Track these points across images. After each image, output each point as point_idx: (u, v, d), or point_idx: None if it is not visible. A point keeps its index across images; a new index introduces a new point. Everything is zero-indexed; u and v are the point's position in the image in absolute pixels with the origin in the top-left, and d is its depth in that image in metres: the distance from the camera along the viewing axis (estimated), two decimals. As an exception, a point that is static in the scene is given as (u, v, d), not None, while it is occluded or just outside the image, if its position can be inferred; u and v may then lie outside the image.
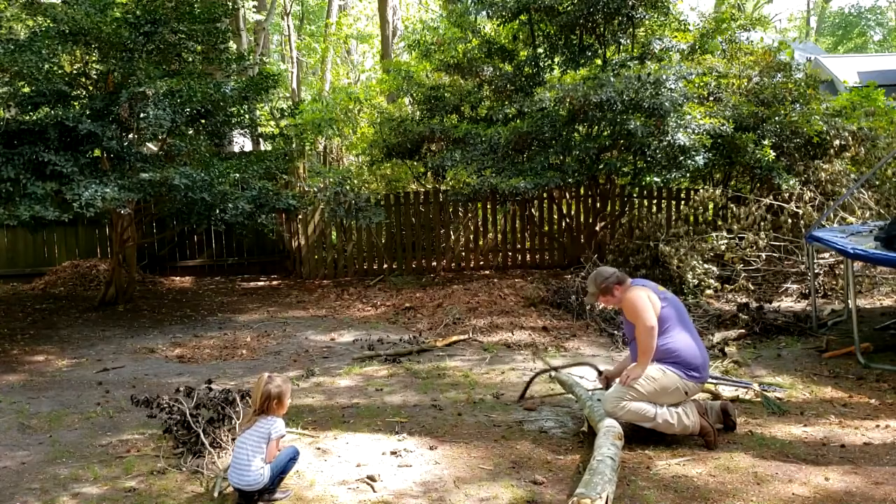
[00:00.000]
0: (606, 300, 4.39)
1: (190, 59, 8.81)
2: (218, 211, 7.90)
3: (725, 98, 8.91)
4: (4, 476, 4.04)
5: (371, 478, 3.83)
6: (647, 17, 9.58)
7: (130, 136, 8.06)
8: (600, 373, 4.83)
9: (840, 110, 9.37)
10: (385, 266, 10.67)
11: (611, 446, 3.73)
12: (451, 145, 9.68)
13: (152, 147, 9.47)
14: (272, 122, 10.76)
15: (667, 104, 8.04)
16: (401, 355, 6.42)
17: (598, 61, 9.68)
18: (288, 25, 21.02)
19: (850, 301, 6.28)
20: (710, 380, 4.72)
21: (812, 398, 4.96)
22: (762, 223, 8.58)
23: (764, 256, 8.71)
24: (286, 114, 10.03)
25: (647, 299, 4.21)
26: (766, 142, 8.73)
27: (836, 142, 9.01)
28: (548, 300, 8.22)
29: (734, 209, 8.81)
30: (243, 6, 14.81)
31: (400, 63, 12.08)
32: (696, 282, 8.15)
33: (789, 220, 8.59)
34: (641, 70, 8.39)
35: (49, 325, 8.04)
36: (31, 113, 7.92)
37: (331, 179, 9.76)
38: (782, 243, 8.65)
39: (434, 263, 10.63)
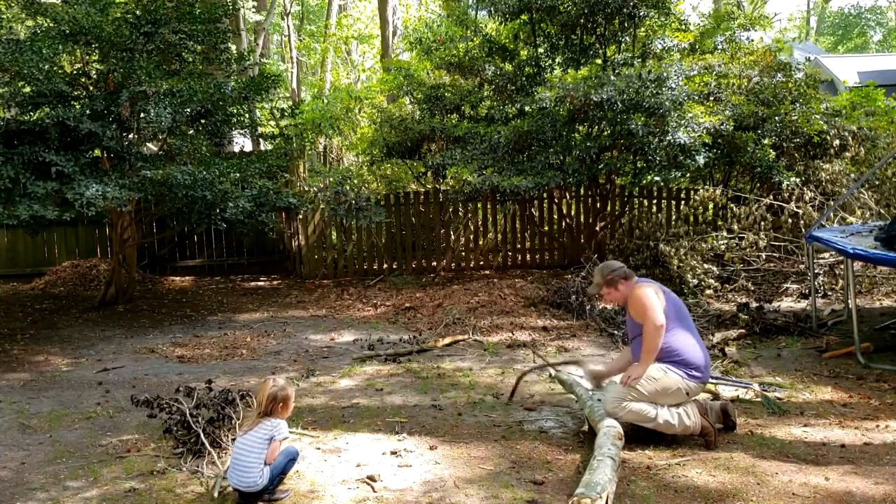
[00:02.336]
0: (609, 293, 4.35)
1: (190, 59, 8.81)
2: (218, 210, 7.91)
3: (725, 98, 8.92)
4: (4, 476, 4.04)
5: (371, 478, 3.83)
6: (647, 16, 9.58)
7: (131, 136, 8.06)
8: (590, 371, 4.79)
9: (840, 110, 9.37)
10: (385, 266, 10.67)
11: (611, 446, 3.73)
12: (451, 144, 9.68)
13: (152, 147, 9.48)
14: (272, 122, 10.77)
15: (667, 103, 8.03)
16: (401, 355, 6.42)
17: (599, 61, 9.68)
18: (288, 25, 21.02)
19: (850, 301, 6.28)
20: (710, 380, 4.72)
21: (812, 398, 4.96)
22: (762, 223, 8.58)
23: (764, 256, 8.71)
24: (286, 114, 10.03)
25: (655, 297, 4.17)
26: (766, 141, 8.73)
27: (836, 142, 9.01)
28: (548, 300, 8.22)
29: (734, 209, 8.80)
30: (243, 6, 14.81)
31: (400, 62, 12.09)
32: (696, 282, 8.15)
33: (789, 220, 8.59)
34: (642, 69, 8.39)
35: (49, 325, 8.04)
36: (31, 113, 7.92)
37: (331, 179, 9.76)
38: (782, 243, 8.65)
39: (434, 263, 10.63)
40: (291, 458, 3.73)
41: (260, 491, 3.56)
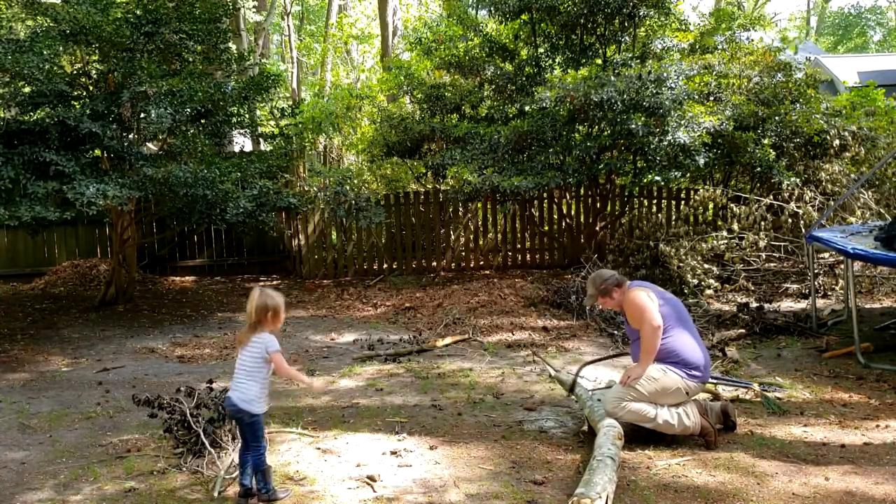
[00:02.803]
0: (605, 302, 4.38)
1: (190, 58, 8.82)
2: (219, 210, 7.91)
3: (726, 98, 8.92)
4: (4, 476, 4.04)
5: (371, 478, 3.83)
6: (648, 16, 9.58)
7: (131, 135, 8.06)
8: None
9: (840, 110, 9.37)
10: (385, 266, 10.67)
11: (611, 446, 3.73)
12: (451, 144, 9.68)
13: (152, 147, 9.48)
14: (272, 122, 10.78)
15: (667, 102, 8.03)
16: (401, 355, 6.42)
17: (599, 61, 9.68)
18: (288, 25, 21.03)
19: (850, 301, 6.28)
20: (710, 380, 4.72)
21: (812, 398, 4.96)
22: (762, 223, 8.58)
23: (764, 256, 8.71)
24: (286, 113, 10.04)
25: (648, 299, 4.19)
26: (766, 141, 8.73)
27: (836, 142, 9.01)
28: (548, 300, 8.22)
29: (734, 209, 8.80)
30: (243, 6, 14.81)
31: (401, 61, 12.10)
32: (696, 282, 8.14)
33: (789, 220, 8.59)
34: (642, 69, 8.39)
35: (49, 325, 8.04)
36: (31, 113, 7.92)
37: (331, 179, 9.76)
38: (782, 243, 8.65)
39: (434, 263, 10.63)
40: (263, 458, 3.68)
41: (250, 415, 3.58)
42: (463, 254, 10.75)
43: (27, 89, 7.85)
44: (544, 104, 8.67)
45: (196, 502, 3.64)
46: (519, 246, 10.81)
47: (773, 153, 8.69)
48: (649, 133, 8.07)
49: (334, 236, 10.92)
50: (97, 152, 7.76)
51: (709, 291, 8.13)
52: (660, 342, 4.12)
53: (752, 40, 10.18)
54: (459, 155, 9.14)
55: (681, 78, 8.39)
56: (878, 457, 3.97)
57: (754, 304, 7.34)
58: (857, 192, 8.54)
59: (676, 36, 9.89)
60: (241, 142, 14.20)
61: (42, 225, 7.96)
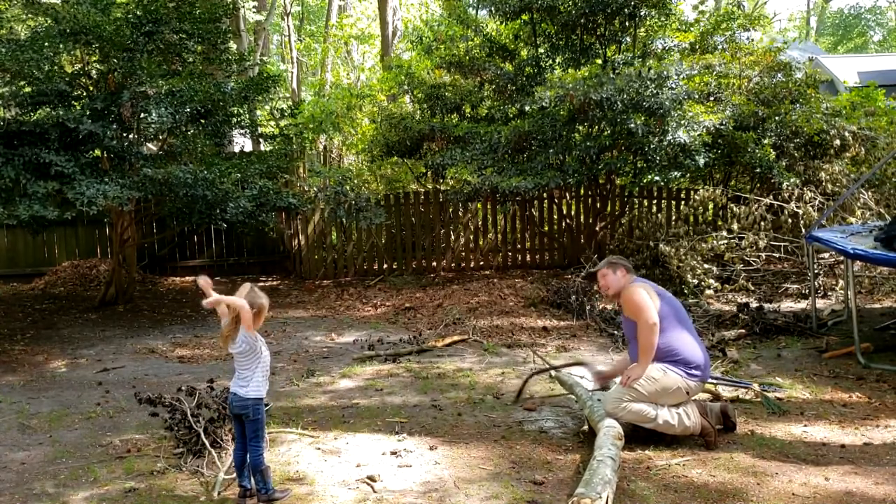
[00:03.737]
0: (605, 276, 4.38)
1: (190, 59, 8.82)
2: (219, 210, 7.91)
3: (726, 98, 8.92)
4: (4, 476, 4.04)
5: (371, 478, 3.83)
6: (648, 16, 9.58)
7: (131, 136, 8.06)
8: (597, 373, 4.79)
9: (840, 110, 9.37)
10: (385, 266, 10.67)
11: (611, 446, 3.73)
12: (451, 144, 9.68)
13: (152, 147, 9.48)
14: (272, 123, 10.79)
15: (667, 102, 8.03)
16: (401, 355, 6.42)
17: (599, 61, 9.68)
18: (288, 26, 21.02)
19: (850, 301, 6.28)
20: (710, 380, 4.72)
21: (812, 398, 4.96)
22: (762, 223, 8.58)
23: (764, 256, 8.71)
24: (286, 114, 10.04)
25: (647, 296, 4.20)
26: (766, 141, 8.72)
27: (836, 142, 9.01)
28: (548, 300, 8.22)
29: (734, 209, 8.80)
30: (243, 6, 14.81)
31: (401, 61, 12.11)
32: (696, 282, 8.15)
33: (789, 220, 8.59)
34: (642, 67, 8.39)
35: (49, 325, 8.04)
36: (31, 113, 7.92)
37: (331, 179, 9.76)
38: (782, 243, 8.65)
39: (434, 263, 10.63)
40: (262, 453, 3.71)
41: (252, 402, 3.59)
42: (463, 254, 10.75)
43: (27, 89, 7.85)
44: (544, 104, 8.66)
45: (196, 502, 3.64)
46: (519, 246, 10.81)
47: (773, 153, 8.69)
48: (649, 133, 8.07)
49: (334, 236, 10.91)
50: (97, 152, 7.76)
51: (709, 291, 8.13)
52: (657, 340, 4.12)
53: (753, 40, 10.18)
54: (459, 155, 9.15)
55: (681, 78, 8.39)
56: (878, 457, 3.97)
57: (754, 305, 7.34)
58: (857, 192, 8.54)
59: (677, 36, 9.89)
60: (242, 142, 14.20)
61: (42, 225, 7.97)
